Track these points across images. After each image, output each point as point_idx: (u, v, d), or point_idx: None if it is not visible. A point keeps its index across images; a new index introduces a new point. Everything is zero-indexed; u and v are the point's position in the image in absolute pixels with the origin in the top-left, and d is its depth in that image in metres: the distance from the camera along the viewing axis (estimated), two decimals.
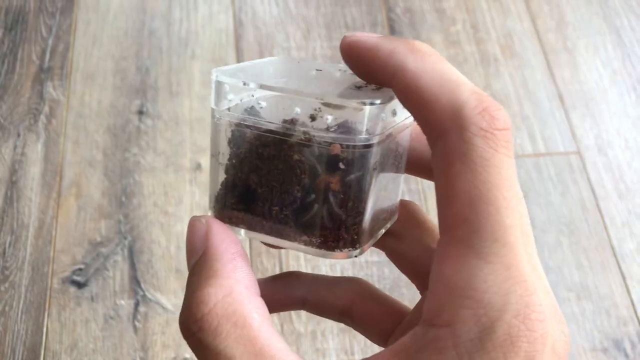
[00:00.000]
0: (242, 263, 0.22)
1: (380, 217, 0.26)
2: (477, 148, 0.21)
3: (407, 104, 0.23)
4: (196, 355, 0.21)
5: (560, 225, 0.67)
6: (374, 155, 0.23)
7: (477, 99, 0.22)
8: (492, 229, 0.21)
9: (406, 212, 0.29)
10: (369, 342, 0.58)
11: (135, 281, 0.60)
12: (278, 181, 0.24)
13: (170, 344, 0.58)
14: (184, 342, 0.57)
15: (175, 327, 0.58)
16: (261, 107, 0.23)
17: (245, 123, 0.23)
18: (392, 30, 0.77)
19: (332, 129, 0.22)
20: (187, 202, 0.64)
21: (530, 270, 0.21)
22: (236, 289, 0.21)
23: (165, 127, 0.69)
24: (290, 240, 0.24)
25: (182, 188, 0.65)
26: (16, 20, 0.74)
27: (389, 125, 0.24)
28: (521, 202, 0.21)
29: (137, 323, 0.58)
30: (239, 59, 0.74)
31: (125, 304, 0.59)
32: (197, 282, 0.22)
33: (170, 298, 0.59)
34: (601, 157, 0.72)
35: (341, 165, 0.23)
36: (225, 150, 0.24)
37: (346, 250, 0.24)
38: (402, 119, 0.25)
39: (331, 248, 0.24)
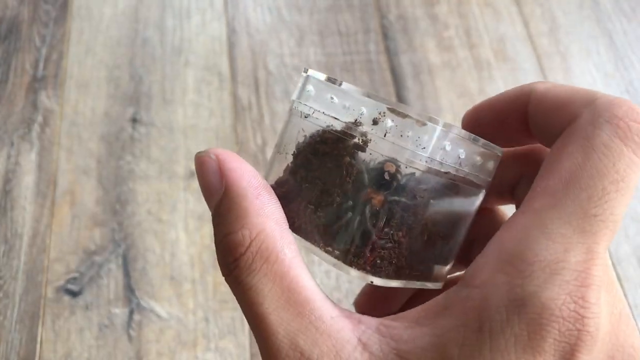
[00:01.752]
0: (268, 197, 0.22)
1: (416, 265, 0.24)
2: (601, 135, 0.20)
3: (541, 117, 0.22)
4: (232, 291, 0.21)
5: None
6: (425, 182, 0.22)
7: (611, 96, 0.21)
8: (573, 212, 0.19)
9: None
10: None
11: (129, 289, 0.60)
12: (323, 179, 0.23)
13: (165, 352, 0.57)
14: (178, 350, 0.57)
15: (170, 334, 0.58)
16: (333, 101, 0.23)
17: (314, 115, 0.23)
18: (385, 37, 0.77)
19: (391, 134, 0.21)
20: (181, 209, 0.64)
21: (599, 269, 0.19)
22: (268, 225, 0.21)
23: (159, 135, 0.69)
24: (313, 243, 0.23)
25: (176, 195, 0.65)
26: (10, 29, 0.74)
27: (450, 161, 0.22)
28: (622, 201, 0.20)
29: (131, 331, 0.58)
30: (233, 67, 0.74)
31: (120, 312, 0.59)
32: (227, 222, 0.21)
33: (164, 306, 0.59)
34: None
35: (389, 184, 0.22)
36: (290, 141, 0.24)
37: (363, 272, 0.22)
38: (469, 170, 0.23)
39: (350, 263, 0.22)
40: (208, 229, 0.63)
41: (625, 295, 0.64)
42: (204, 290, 0.60)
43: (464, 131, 0.23)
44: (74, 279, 0.60)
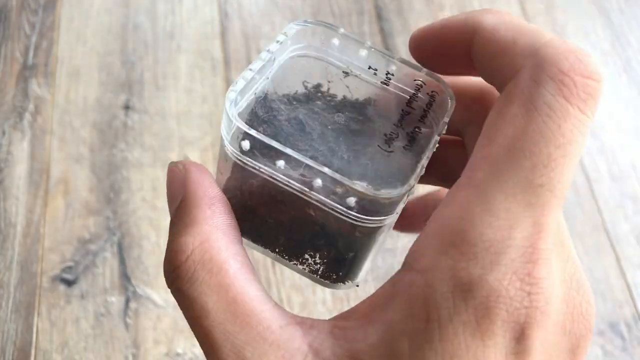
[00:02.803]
0: (220, 208, 0.21)
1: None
2: (545, 94, 0.18)
3: (484, 60, 0.21)
4: (178, 303, 0.20)
5: None
6: (389, 226, 0.22)
7: (561, 41, 0.19)
8: (517, 183, 0.18)
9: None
10: None
11: (125, 277, 0.60)
12: (288, 220, 0.22)
13: (162, 340, 0.57)
14: (176, 337, 0.57)
15: (167, 322, 0.58)
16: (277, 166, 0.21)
17: (260, 169, 0.21)
18: (380, 18, 0.76)
19: (355, 210, 0.21)
20: None
21: (547, 243, 0.18)
22: (213, 235, 0.20)
23: (152, 122, 0.68)
24: (287, 265, 0.23)
25: None
26: None
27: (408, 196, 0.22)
28: (569, 166, 0.18)
29: (128, 319, 0.58)
30: (225, 51, 0.73)
31: (116, 300, 0.58)
32: (176, 230, 0.20)
33: (161, 293, 0.59)
34: (594, 141, 0.71)
35: (355, 234, 0.22)
36: (227, 173, 0.23)
37: (348, 283, 0.24)
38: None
39: (333, 281, 0.23)
40: None
41: (623, 274, 0.63)
42: None
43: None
44: (69, 268, 0.60)
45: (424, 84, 0.24)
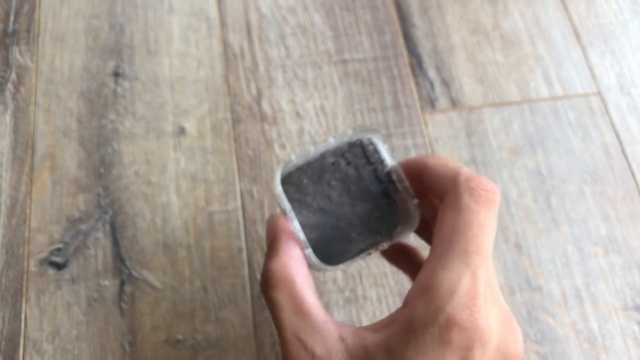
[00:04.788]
0: (294, 246, 0.34)
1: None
2: (463, 199, 0.31)
3: (429, 184, 0.35)
4: (266, 304, 0.33)
5: (583, 174, 0.61)
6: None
7: (470, 172, 0.33)
8: (458, 251, 0.30)
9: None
10: (377, 313, 0.53)
11: (119, 259, 0.55)
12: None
13: (160, 325, 0.53)
14: (175, 323, 0.52)
15: (166, 306, 0.53)
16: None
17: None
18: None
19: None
20: (172, 169, 0.59)
21: (482, 286, 0.29)
22: (289, 262, 0.33)
23: (144, 89, 0.62)
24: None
25: (165, 155, 0.59)
26: None
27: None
28: (488, 238, 0.30)
29: (123, 305, 0.53)
30: (222, 10, 0.67)
31: (110, 284, 0.54)
32: (269, 257, 0.33)
33: (158, 275, 0.54)
34: (624, 98, 0.65)
35: None
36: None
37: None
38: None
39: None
40: (202, 190, 0.58)
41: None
42: (200, 257, 0.55)
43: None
44: (58, 250, 0.55)
45: (361, 140, 0.37)
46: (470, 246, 0.29)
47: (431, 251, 0.31)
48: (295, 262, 0.33)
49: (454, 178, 0.32)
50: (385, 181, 0.36)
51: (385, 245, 0.35)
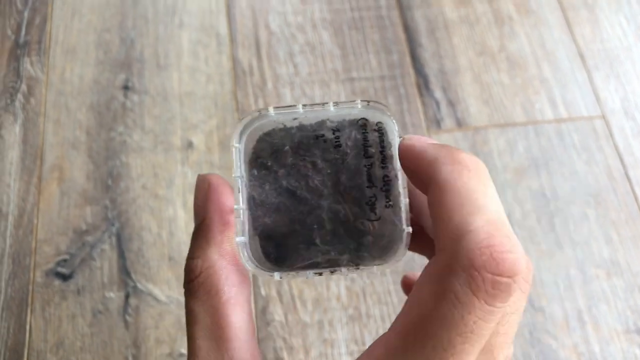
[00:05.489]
0: (229, 235, 0.25)
1: None
2: (455, 283, 0.19)
3: (431, 215, 0.22)
4: (184, 307, 0.25)
5: (586, 197, 0.61)
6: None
7: (487, 231, 0.20)
8: None
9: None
10: (380, 331, 0.53)
11: (124, 271, 0.55)
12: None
13: (164, 339, 0.53)
14: (179, 337, 0.52)
15: (170, 320, 0.53)
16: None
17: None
18: None
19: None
20: (179, 183, 0.59)
21: None
22: (217, 262, 0.24)
23: (153, 103, 0.63)
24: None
25: (172, 169, 0.60)
26: None
27: None
28: (469, 352, 0.20)
29: (128, 317, 0.53)
30: (231, 27, 0.68)
31: (115, 296, 0.54)
32: (193, 248, 0.25)
33: (163, 289, 0.55)
34: (628, 121, 0.66)
35: None
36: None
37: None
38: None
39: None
40: None
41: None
42: None
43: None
44: (64, 261, 0.55)
45: (367, 120, 0.26)
46: (437, 357, 0.19)
47: (387, 337, 0.22)
48: (228, 263, 0.24)
49: (457, 238, 0.20)
50: (378, 187, 0.26)
51: (345, 272, 0.25)
